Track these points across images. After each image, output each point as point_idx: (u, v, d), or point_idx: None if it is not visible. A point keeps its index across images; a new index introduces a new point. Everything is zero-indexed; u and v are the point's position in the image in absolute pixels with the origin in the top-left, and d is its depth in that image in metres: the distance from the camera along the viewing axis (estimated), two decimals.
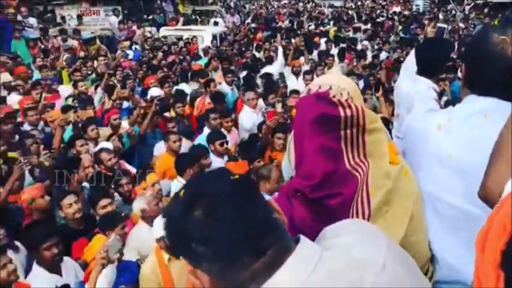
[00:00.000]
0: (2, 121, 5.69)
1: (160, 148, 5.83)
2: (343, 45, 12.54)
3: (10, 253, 3.61)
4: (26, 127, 6.29)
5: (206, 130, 6.04)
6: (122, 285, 3.35)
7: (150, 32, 15.01)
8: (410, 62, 3.01)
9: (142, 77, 9.03)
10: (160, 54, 11.07)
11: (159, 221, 3.43)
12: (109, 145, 5.40)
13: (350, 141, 1.45)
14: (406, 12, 21.94)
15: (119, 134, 5.83)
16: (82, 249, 3.46)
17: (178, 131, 6.00)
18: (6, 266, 3.16)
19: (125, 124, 6.17)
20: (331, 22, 19.26)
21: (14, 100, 7.28)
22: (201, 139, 5.89)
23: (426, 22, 16.69)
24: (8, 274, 3.15)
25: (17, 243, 3.89)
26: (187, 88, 8.35)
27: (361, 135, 1.47)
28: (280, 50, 10.52)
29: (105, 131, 6.05)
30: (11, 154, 5.21)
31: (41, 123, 6.53)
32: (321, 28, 17.27)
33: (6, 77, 8.60)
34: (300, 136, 1.49)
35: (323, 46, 12.38)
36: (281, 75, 9.53)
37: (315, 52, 11.63)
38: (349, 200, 1.41)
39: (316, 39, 13.07)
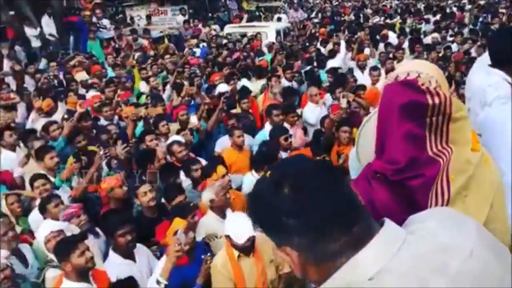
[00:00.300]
0: (83, 117, 6.10)
1: (222, 143, 5.99)
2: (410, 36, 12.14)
3: (91, 237, 3.89)
4: (103, 122, 6.70)
5: (268, 126, 6.11)
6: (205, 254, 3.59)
7: (215, 30, 15.34)
8: (485, 56, 2.89)
9: (209, 74, 9.26)
10: (225, 51, 11.29)
11: (230, 217, 3.58)
12: (180, 138, 5.64)
13: (435, 128, 1.46)
14: (481, 2, 20.77)
15: (190, 128, 6.06)
16: (165, 232, 3.65)
17: (241, 126, 6.13)
18: (84, 254, 3.36)
19: (193, 120, 6.41)
20: (398, 15, 18.69)
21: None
22: (263, 134, 5.98)
23: (503, 11, 15.78)
24: (86, 261, 3.35)
25: (97, 229, 4.18)
26: (249, 84, 8.49)
27: (446, 123, 1.47)
28: (343, 44, 10.40)
29: (174, 126, 6.31)
30: (90, 148, 5.59)
31: (116, 118, 6.91)
32: (388, 21, 16.81)
33: (83, 75, 9.17)
34: (384, 122, 1.51)
35: (392, 40, 12.04)
36: (350, 70, 9.43)
37: (381, 45, 11.36)
38: (431, 182, 1.43)
39: (384, 31, 12.75)
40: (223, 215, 4.10)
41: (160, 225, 3.94)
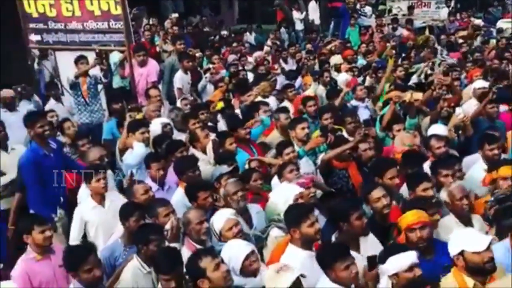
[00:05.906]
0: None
1: None
2: None
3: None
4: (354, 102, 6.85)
5: None
6: None
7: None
8: None
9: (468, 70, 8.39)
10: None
11: (456, 232, 3.10)
12: (443, 131, 5.17)
13: None
14: None
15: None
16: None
17: None
18: (313, 225, 3.40)
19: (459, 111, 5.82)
20: None
21: (342, 79, 7.88)
22: None
23: None
24: (315, 231, 3.39)
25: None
26: None
27: None
28: None
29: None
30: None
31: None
32: None
33: (337, 59, 9.34)
34: None
35: None
36: None
37: None
38: None
39: None
40: (464, 220, 3.68)
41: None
